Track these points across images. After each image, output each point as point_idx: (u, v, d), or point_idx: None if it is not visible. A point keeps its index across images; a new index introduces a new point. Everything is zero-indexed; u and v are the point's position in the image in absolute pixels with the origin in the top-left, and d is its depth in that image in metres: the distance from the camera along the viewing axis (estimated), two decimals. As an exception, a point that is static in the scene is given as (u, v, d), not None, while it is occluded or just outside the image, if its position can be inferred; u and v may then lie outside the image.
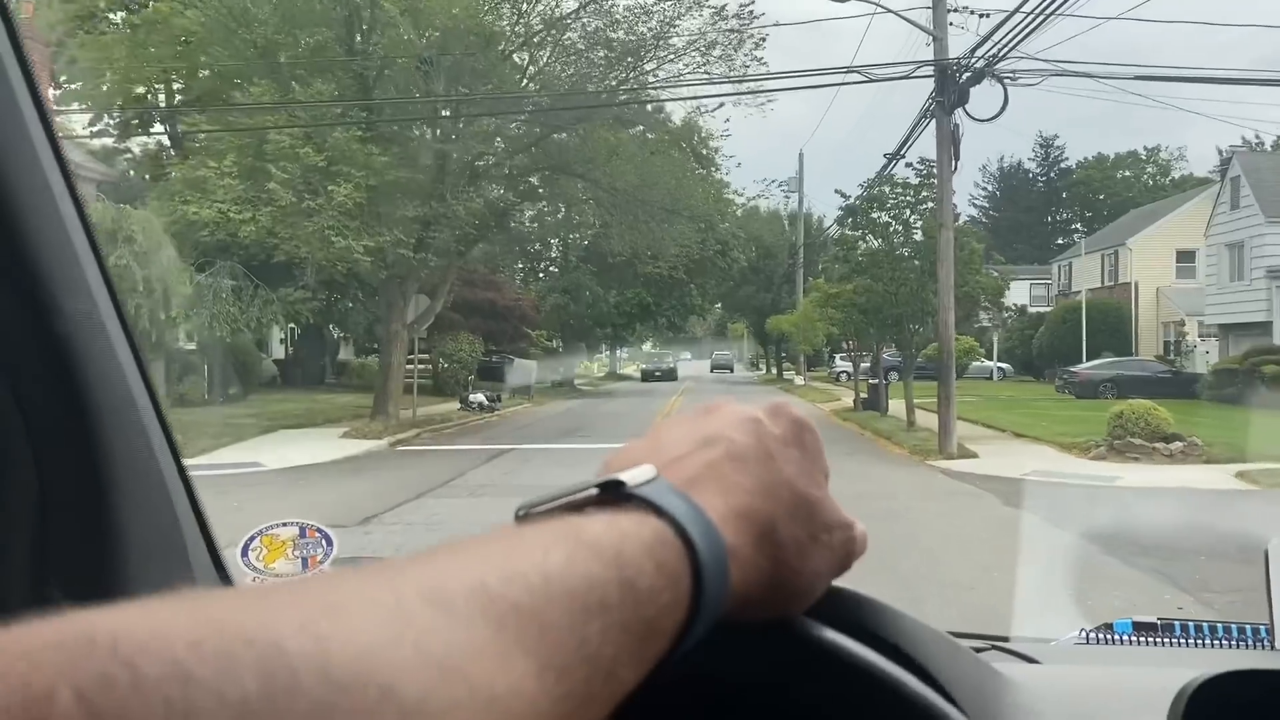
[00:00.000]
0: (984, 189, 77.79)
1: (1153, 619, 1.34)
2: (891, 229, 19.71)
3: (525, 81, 21.67)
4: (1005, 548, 7.73)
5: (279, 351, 32.04)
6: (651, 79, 22.88)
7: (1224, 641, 1.26)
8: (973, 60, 15.73)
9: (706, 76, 22.40)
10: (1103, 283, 43.00)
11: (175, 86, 25.72)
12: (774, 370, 56.87)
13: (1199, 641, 1.28)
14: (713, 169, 30.26)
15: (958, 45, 17.57)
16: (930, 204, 18.39)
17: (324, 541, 1.57)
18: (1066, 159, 76.35)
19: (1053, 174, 76.74)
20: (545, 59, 22.19)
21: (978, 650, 0.85)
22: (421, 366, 25.58)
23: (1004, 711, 0.63)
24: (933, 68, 16.29)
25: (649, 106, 25.65)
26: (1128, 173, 74.10)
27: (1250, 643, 1.24)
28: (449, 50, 19.21)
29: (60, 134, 0.81)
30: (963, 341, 20.24)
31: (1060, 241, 68.39)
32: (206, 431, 15.57)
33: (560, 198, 27.60)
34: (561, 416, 25.16)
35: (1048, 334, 40.69)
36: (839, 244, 22.55)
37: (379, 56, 19.67)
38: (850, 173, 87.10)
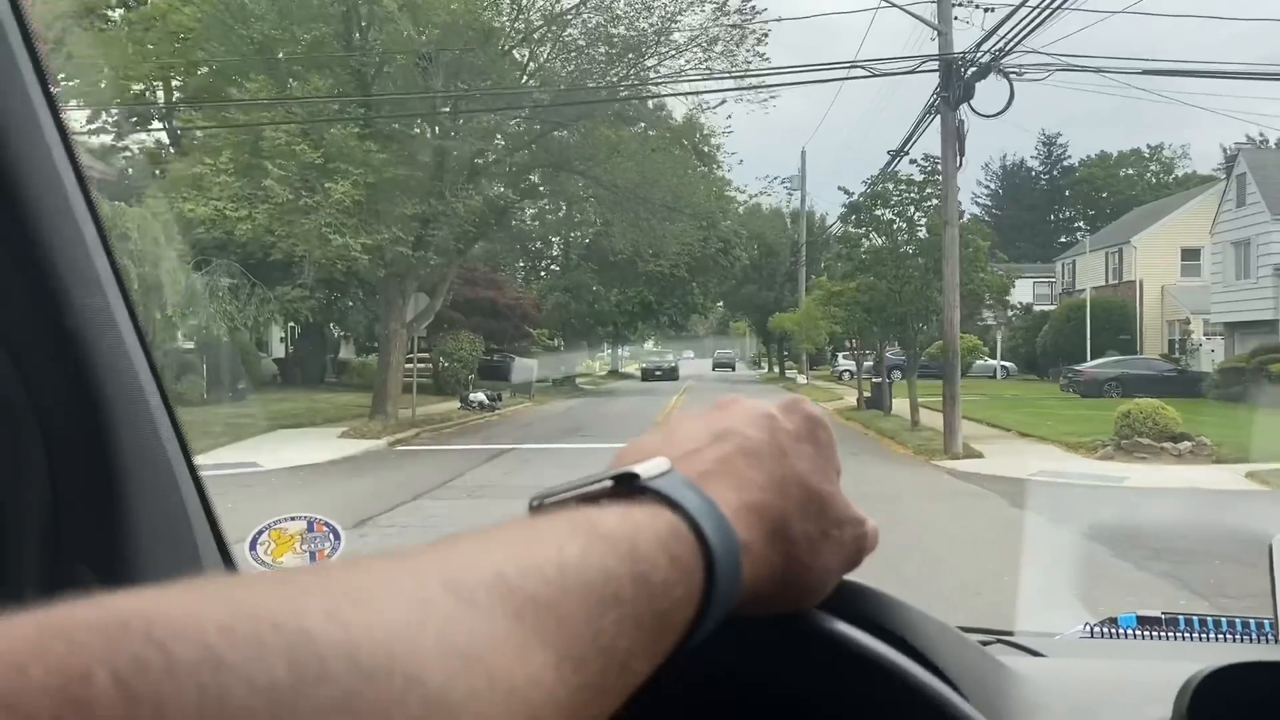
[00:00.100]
0: (986, 187, 77.75)
1: (1156, 613, 1.36)
2: (895, 226, 19.54)
3: (525, 78, 21.49)
4: (1012, 550, 7.56)
5: (279, 350, 31.92)
6: (653, 75, 22.75)
7: (1228, 635, 1.29)
8: (978, 55, 15.60)
9: (708, 72, 22.26)
10: (1107, 281, 42.86)
11: (173, 83, 25.59)
12: (776, 369, 56.75)
13: (1203, 635, 1.31)
14: (714, 166, 30.07)
15: (962, 40, 17.42)
16: (934, 201, 18.23)
17: (331, 535, 1.61)
18: (1069, 157, 76.29)
19: (1055, 172, 76.53)
20: (545, 55, 22.01)
21: (983, 644, 0.85)
22: (422, 365, 25.46)
23: (1009, 703, 0.64)
24: (937, 63, 16.14)
25: (650, 103, 25.53)
26: (1131, 170, 73.95)
27: (1255, 636, 1.27)
28: (448, 46, 19.05)
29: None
30: (967, 340, 20.05)
31: (1063, 240, 68.27)
32: (205, 431, 15.41)
33: (561, 195, 27.48)
34: (562, 416, 25.01)
35: (1052, 332, 40.52)
36: (842, 241, 22.38)
37: (377, 53, 19.52)
38: (854, 170, 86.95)
